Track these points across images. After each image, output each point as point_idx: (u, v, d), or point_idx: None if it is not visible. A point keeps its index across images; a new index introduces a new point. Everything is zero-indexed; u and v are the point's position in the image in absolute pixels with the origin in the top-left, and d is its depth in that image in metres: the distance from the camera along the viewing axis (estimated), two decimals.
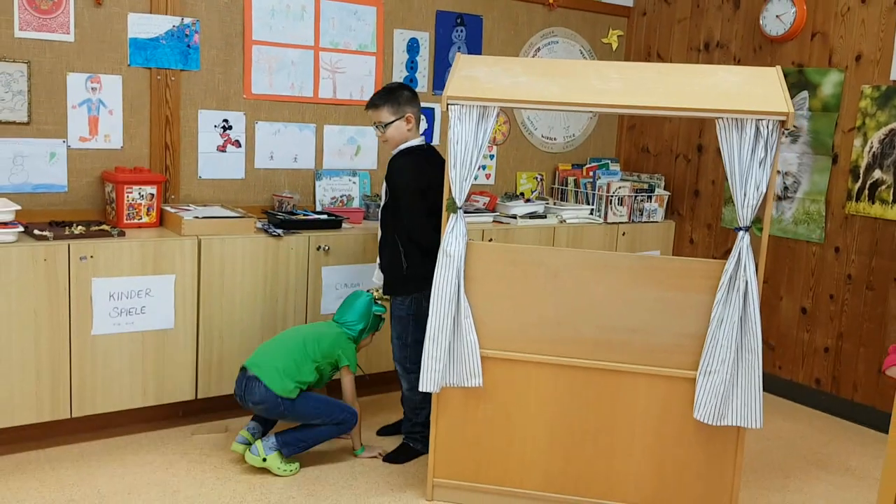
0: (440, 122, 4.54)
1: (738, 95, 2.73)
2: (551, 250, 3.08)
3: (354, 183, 4.26)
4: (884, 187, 3.95)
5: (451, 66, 4.30)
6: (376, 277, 3.46)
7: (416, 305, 3.29)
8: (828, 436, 3.93)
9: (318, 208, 4.14)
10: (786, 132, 4.25)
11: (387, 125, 3.27)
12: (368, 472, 3.26)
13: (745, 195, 2.68)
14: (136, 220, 3.51)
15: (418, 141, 3.34)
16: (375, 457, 3.38)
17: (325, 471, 3.26)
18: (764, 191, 2.68)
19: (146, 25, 3.60)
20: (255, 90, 3.91)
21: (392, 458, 3.38)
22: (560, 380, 2.91)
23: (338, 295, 3.78)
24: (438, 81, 4.47)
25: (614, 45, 5.18)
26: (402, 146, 3.31)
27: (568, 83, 2.86)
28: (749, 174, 2.66)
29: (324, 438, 3.24)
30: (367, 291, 3.46)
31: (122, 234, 3.34)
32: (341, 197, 4.24)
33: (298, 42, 3.99)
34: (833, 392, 4.21)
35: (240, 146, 3.93)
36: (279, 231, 3.63)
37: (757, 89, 2.76)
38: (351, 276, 3.82)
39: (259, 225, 3.69)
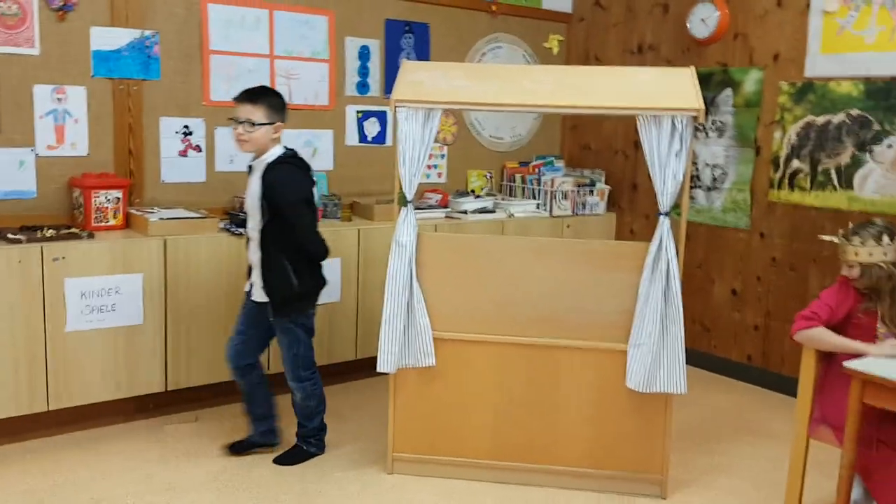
0: (392, 124, 4.79)
1: (656, 94, 3.03)
2: (496, 238, 3.35)
3: None
4: (801, 175, 4.30)
5: None
6: (258, 297, 3.23)
7: (305, 316, 3.26)
8: (758, 406, 4.26)
9: None
10: (700, 126, 4.59)
11: (256, 125, 3.07)
12: (331, 450, 3.49)
13: (664, 184, 2.98)
14: (103, 223, 3.69)
15: (281, 149, 3.16)
16: None
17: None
18: (681, 179, 2.98)
19: (108, 38, 3.78)
20: (214, 97, 4.12)
21: (283, 459, 3.36)
22: (506, 357, 3.18)
23: None
24: (390, 86, 4.70)
25: (555, 50, 5.48)
26: (271, 155, 3.12)
27: (503, 86, 3.14)
28: (667, 165, 2.96)
29: None
30: None
31: (91, 236, 3.53)
32: None
33: (254, 51, 4.21)
34: (763, 366, 4.55)
35: (200, 151, 4.13)
36: (241, 230, 3.83)
37: (673, 88, 3.06)
38: None
39: (222, 225, 3.90)
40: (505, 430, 3.22)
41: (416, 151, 3.07)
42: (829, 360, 2.88)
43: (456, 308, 3.18)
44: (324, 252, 3.19)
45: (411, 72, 3.19)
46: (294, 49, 4.34)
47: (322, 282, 3.26)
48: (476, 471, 3.26)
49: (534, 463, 3.23)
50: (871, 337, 2.79)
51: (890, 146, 3.93)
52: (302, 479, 3.25)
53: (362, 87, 4.63)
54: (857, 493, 2.79)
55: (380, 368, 3.18)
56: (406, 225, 3.12)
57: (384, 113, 4.73)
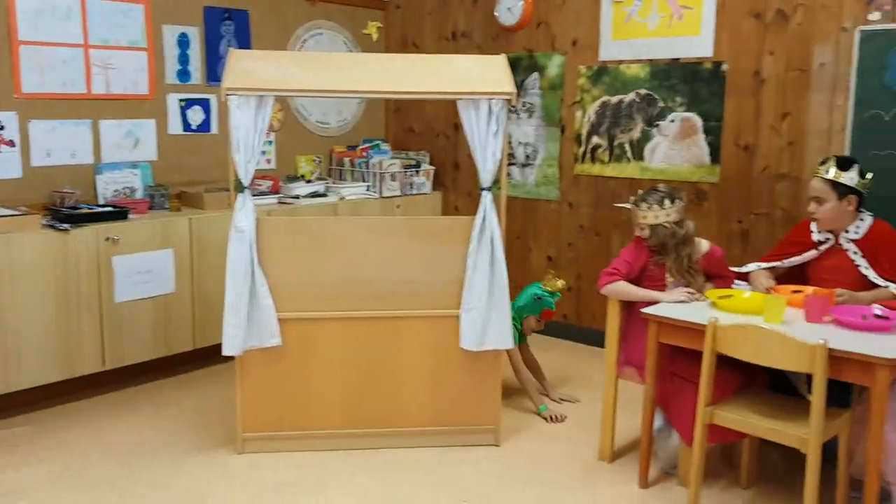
0: (216, 112, 4.78)
1: (474, 80, 3.31)
2: (333, 219, 3.51)
3: (136, 175, 4.41)
4: (601, 150, 4.79)
5: (222, 58, 4.60)
6: None
7: None
8: (575, 358, 4.73)
9: (101, 201, 4.25)
10: (513, 108, 4.97)
11: None
12: (179, 439, 3.53)
13: (484, 162, 3.27)
14: None
15: None
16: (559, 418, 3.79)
17: (138, 437, 3.50)
18: (499, 157, 3.29)
19: None
20: (26, 89, 3.95)
21: None
22: (349, 331, 3.36)
23: (133, 282, 3.95)
24: (211, 74, 4.71)
25: (374, 36, 5.67)
26: None
27: (333, 73, 3.30)
28: (486, 144, 3.25)
29: None
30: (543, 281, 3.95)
31: None
32: (124, 189, 4.37)
33: (67, 41, 4.07)
34: (577, 323, 5.04)
35: (14, 145, 3.95)
36: (66, 225, 3.73)
37: (488, 74, 3.36)
38: (144, 264, 4.00)
39: (44, 221, 3.77)
40: (352, 400, 3.41)
41: (249, 138, 3.15)
42: (629, 310, 3.32)
43: (299, 288, 3.32)
44: None
45: (241, 60, 3.26)
46: (110, 38, 4.24)
47: None
48: (327, 441, 3.43)
49: (381, 427, 3.44)
50: (662, 286, 3.25)
51: (672, 121, 4.49)
52: (153, 468, 3.27)
53: (183, 75, 4.59)
54: (658, 422, 3.25)
55: (225, 351, 3.26)
56: (244, 211, 3.21)
57: (208, 101, 4.72)
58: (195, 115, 4.67)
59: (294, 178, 5.11)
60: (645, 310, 3.04)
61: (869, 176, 3.23)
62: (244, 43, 4.86)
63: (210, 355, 4.49)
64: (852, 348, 2.59)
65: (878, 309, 2.92)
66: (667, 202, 3.21)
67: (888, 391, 2.56)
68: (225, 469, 3.27)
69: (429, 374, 3.43)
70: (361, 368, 3.40)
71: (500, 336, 3.36)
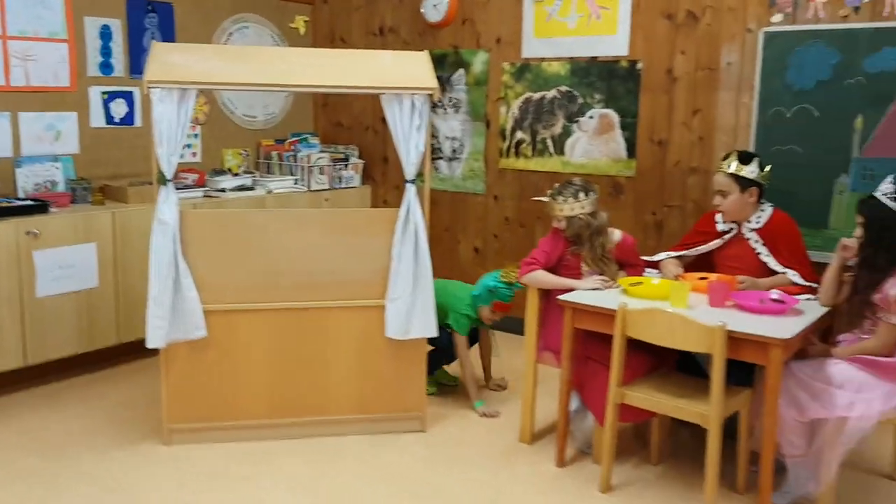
0: (140, 104, 4.74)
1: (397, 75, 3.40)
2: (257, 212, 3.54)
3: (57, 168, 4.34)
4: (524, 145, 4.94)
5: (145, 51, 4.57)
6: None
7: None
8: (500, 347, 4.85)
9: (21, 195, 4.18)
10: (437, 103, 5.07)
11: None
12: (105, 432, 3.52)
13: (408, 155, 3.36)
14: None
15: None
16: (493, 414, 3.78)
17: (64, 431, 3.49)
18: (422, 150, 3.38)
19: None
20: None
21: None
22: (275, 322, 3.41)
23: (54, 276, 3.91)
24: (135, 66, 4.67)
25: (301, 30, 5.69)
26: None
27: (257, 67, 3.34)
28: (409, 138, 3.35)
29: (435, 360, 3.89)
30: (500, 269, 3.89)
31: None
32: (45, 183, 4.30)
33: None
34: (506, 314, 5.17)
35: None
36: None
37: (411, 70, 3.45)
38: (66, 257, 3.96)
39: None
40: (279, 390, 3.46)
41: (172, 131, 3.17)
42: (547, 298, 3.46)
43: (224, 280, 3.35)
44: None
45: (163, 53, 3.27)
46: (29, 29, 4.16)
47: None
48: (254, 431, 3.47)
49: (309, 416, 3.51)
50: (578, 274, 3.41)
51: (591, 117, 4.66)
52: (80, 461, 3.26)
53: (105, 67, 4.54)
54: (574, 404, 3.40)
55: (149, 344, 3.27)
56: (167, 203, 3.23)
57: (131, 93, 4.67)
58: (118, 108, 4.62)
59: (220, 172, 5.11)
60: (561, 297, 3.18)
61: (768, 168, 3.44)
62: (168, 35, 4.83)
63: (135, 350, 4.46)
64: (749, 330, 2.78)
65: (775, 294, 3.14)
66: (581, 195, 3.36)
67: (782, 369, 2.76)
68: (153, 460, 3.29)
69: (355, 364, 3.50)
70: (288, 359, 3.45)
71: (425, 325, 3.46)
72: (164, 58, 3.24)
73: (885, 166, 3.73)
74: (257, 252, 3.37)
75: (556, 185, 3.47)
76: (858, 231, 2.98)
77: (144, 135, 4.76)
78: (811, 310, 3.08)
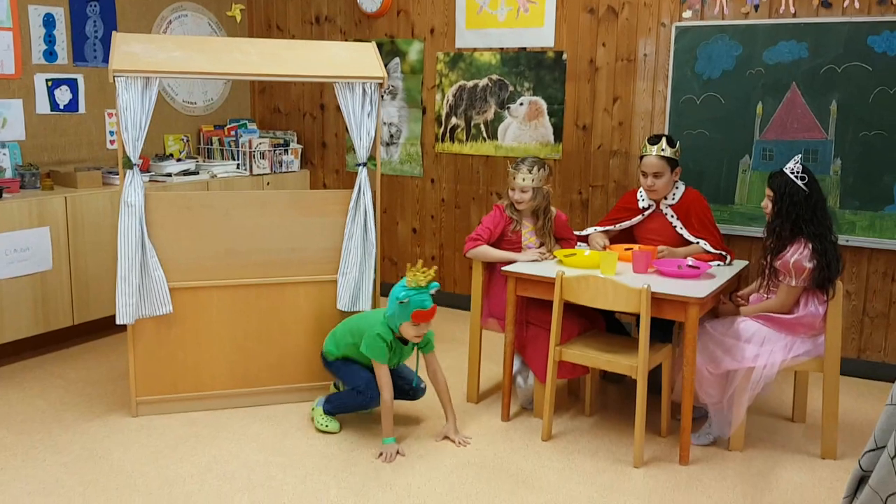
0: (84, 91, 4.81)
1: (348, 65, 3.65)
2: (219, 194, 3.74)
3: (5, 154, 4.40)
4: (459, 130, 5.25)
5: (88, 39, 4.66)
6: None
7: None
8: (440, 321, 5.13)
9: None
10: (384, 91, 5.33)
11: None
12: (72, 407, 3.67)
13: (360, 140, 3.63)
14: None
15: None
16: (388, 459, 3.20)
17: (29, 408, 3.61)
18: (373, 135, 3.65)
19: None
20: None
21: None
22: (237, 298, 3.63)
23: (9, 260, 4.00)
24: (78, 54, 4.74)
25: (238, 18, 5.83)
26: None
27: (215, 56, 3.53)
28: (361, 124, 3.61)
29: (350, 404, 3.41)
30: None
31: None
32: None
33: None
34: (441, 289, 5.49)
35: None
36: None
37: (360, 60, 3.70)
38: (20, 242, 4.05)
39: None
40: (240, 361, 3.68)
41: (137, 118, 3.34)
42: (491, 270, 3.79)
43: (188, 259, 3.54)
44: None
45: (125, 43, 3.42)
46: None
47: None
48: (219, 401, 3.68)
49: (267, 385, 3.74)
50: (519, 249, 3.75)
51: (521, 104, 5.01)
52: (49, 435, 3.41)
53: (49, 55, 4.60)
54: (516, 365, 3.75)
55: (119, 321, 3.44)
56: (133, 187, 3.39)
57: (75, 81, 4.75)
58: (63, 95, 4.69)
59: (164, 157, 5.22)
60: (505, 268, 3.52)
61: (678, 146, 3.86)
62: (110, 24, 4.91)
63: (91, 330, 4.60)
64: (670, 291, 3.18)
65: (690, 260, 3.56)
66: (541, 169, 3.70)
67: (698, 324, 3.18)
68: (123, 430, 3.47)
69: (311, 335, 3.75)
70: (249, 332, 3.67)
71: (362, 299, 3.73)
72: (126, 48, 3.40)
73: (781, 147, 4.21)
74: (220, 232, 3.57)
75: (517, 159, 3.76)
76: (766, 202, 3.39)
77: (88, 121, 4.86)
78: (721, 274, 3.51)
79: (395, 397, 3.38)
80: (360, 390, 3.35)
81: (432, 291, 3.24)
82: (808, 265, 3.21)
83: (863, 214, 4.10)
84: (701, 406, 3.43)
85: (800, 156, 3.42)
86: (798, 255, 3.22)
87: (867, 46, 4.00)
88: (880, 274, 4.17)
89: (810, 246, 3.22)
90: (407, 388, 3.53)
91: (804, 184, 3.26)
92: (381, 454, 3.24)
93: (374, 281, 3.76)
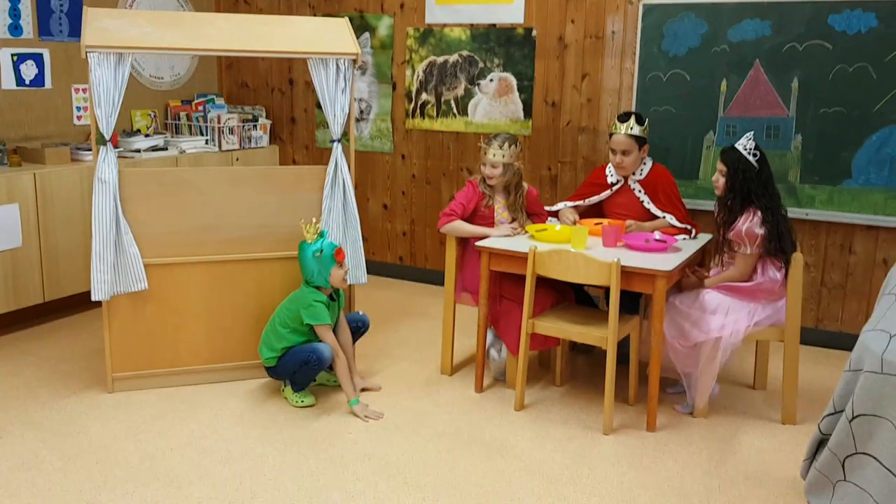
0: (50, 66, 4.74)
1: (321, 41, 3.66)
2: (194, 170, 3.73)
3: None
4: (429, 106, 5.29)
5: (54, 13, 4.60)
6: None
7: None
8: (412, 296, 5.26)
9: None
10: (357, 67, 5.33)
11: None
12: (47, 384, 3.67)
13: (334, 116, 3.65)
14: None
15: None
16: (374, 416, 3.42)
17: (2, 385, 3.62)
18: (347, 111, 3.67)
19: None
20: None
21: None
22: (212, 273, 3.65)
23: None
24: (43, 28, 4.66)
25: None
26: None
27: (188, 32, 3.51)
28: (336, 100, 3.63)
29: (309, 375, 3.46)
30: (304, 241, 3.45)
31: None
32: None
33: None
34: (412, 265, 5.57)
35: None
36: None
37: (333, 36, 3.71)
38: None
39: None
40: (217, 337, 3.71)
41: (110, 94, 3.32)
42: (464, 245, 3.86)
43: (163, 235, 3.54)
44: None
45: (97, 18, 3.39)
46: None
47: None
48: (195, 376, 3.71)
49: (243, 360, 3.77)
50: (492, 224, 3.82)
51: (491, 80, 5.06)
52: (25, 411, 3.41)
53: (15, 29, 4.52)
54: (489, 338, 3.84)
55: (94, 297, 3.44)
56: (107, 163, 3.38)
57: (41, 55, 4.67)
58: (28, 70, 4.62)
59: (132, 133, 5.18)
60: (479, 243, 3.59)
61: (647, 123, 3.95)
62: None
63: (61, 308, 4.58)
64: (638, 264, 3.28)
65: (657, 234, 3.66)
66: (512, 145, 3.75)
67: (664, 296, 3.28)
68: (99, 406, 3.48)
69: None
70: (224, 308, 3.70)
71: (356, 272, 3.79)
72: (98, 23, 3.37)
73: (744, 124, 4.33)
74: (195, 209, 3.58)
75: (489, 136, 3.81)
76: (717, 177, 3.50)
77: (55, 96, 4.79)
78: (687, 247, 3.63)
79: (353, 340, 3.67)
80: (306, 360, 3.41)
81: (327, 234, 3.57)
82: (760, 231, 3.34)
83: (822, 189, 4.25)
84: (683, 376, 3.53)
85: (752, 133, 3.53)
86: (749, 223, 3.35)
87: (828, 25, 4.11)
88: (838, 246, 4.33)
89: (759, 213, 3.36)
90: (356, 327, 3.72)
91: (756, 160, 3.39)
92: (365, 417, 3.40)
93: (362, 253, 3.81)
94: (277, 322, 3.53)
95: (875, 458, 2.46)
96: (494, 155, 3.73)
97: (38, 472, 2.93)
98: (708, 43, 4.38)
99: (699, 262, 3.81)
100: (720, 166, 3.49)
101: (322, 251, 3.41)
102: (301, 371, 3.45)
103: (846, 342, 4.33)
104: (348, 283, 3.55)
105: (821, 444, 2.77)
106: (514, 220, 3.82)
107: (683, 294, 3.54)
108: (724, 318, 3.42)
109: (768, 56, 4.25)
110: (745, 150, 3.42)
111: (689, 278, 3.58)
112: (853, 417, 2.53)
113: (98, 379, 3.71)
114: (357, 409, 3.43)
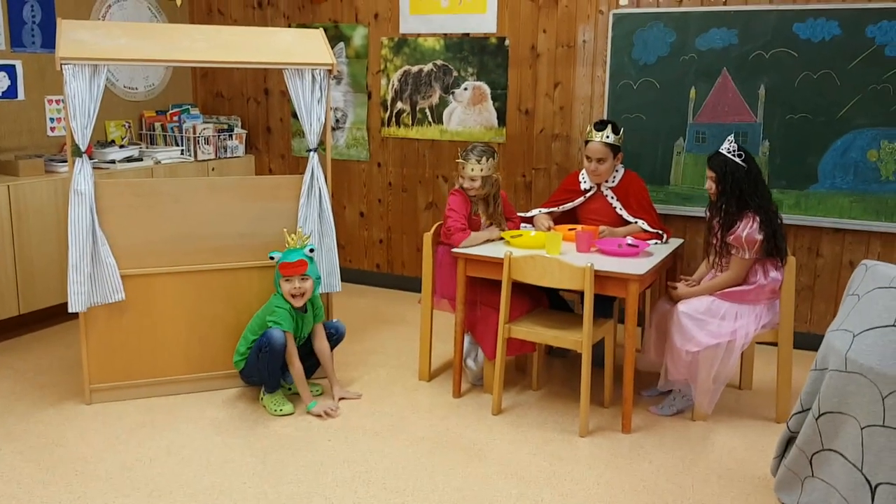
0: (23, 77, 4.72)
1: (297, 52, 3.69)
2: (170, 181, 3.74)
3: None
4: (405, 115, 5.33)
5: (26, 24, 4.59)
6: None
7: None
8: (390, 303, 5.29)
9: None
10: (333, 77, 5.36)
11: None
12: (24, 397, 3.66)
13: (311, 125, 3.68)
14: None
15: None
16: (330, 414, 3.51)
17: None
18: (323, 121, 3.71)
19: None
20: None
21: None
22: (191, 283, 3.66)
23: None
24: (16, 40, 4.65)
25: (178, 2, 5.73)
26: None
27: (164, 43, 3.53)
28: (311, 110, 3.66)
29: (270, 364, 3.46)
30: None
31: None
32: None
33: None
34: (389, 272, 5.60)
35: None
36: None
37: (308, 47, 3.75)
38: None
39: None
40: (195, 347, 3.72)
41: (85, 106, 3.33)
42: (437, 251, 3.90)
43: (140, 246, 3.55)
44: None
45: (71, 30, 3.40)
46: None
47: None
48: (173, 386, 3.71)
49: (221, 370, 3.78)
50: (479, 229, 3.85)
51: (466, 89, 5.12)
52: (4, 423, 3.40)
53: None
54: (467, 343, 3.88)
55: (71, 309, 3.44)
56: (83, 175, 3.39)
57: (13, 67, 4.66)
58: (0, 82, 4.60)
59: (106, 144, 5.17)
60: (455, 249, 3.63)
61: (622, 133, 4.02)
62: (48, 8, 4.82)
63: (37, 320, 4.56)
64: (612, 269, 3.34)
65: (630, 239, 3.74)
66: (490, 158, 3.80)
67: (637, 299, 3.35)
68: (78, 417, 3.48)
69: None
70: (203, 318, 3.71)
71: (331, 280, 3.82)
72: (73, 35, 3.38)
73: (713, 130, 4.43)
74: (171, 219, 3.59)
75: (465, 149, 3.85)
76: (709, 184, 3.57)
77: (27, 108, 4.78)
78: (659, 251, 3.70)
79: (331, 347, 3.73)
80: (260, 347, 3.46)
81: (307, 251, 3.54)
82: (759, 237, 3.42)
83: (789, 193, 4.35)
84: (673, 383, 3.59)
85: (732, 135, 3.62)
86: (749, 230, 3.42)
87: (793, 33, 4.22)
88: (805, 249, 4.43)
89: (758, 219, 3.43)
90: (329, 334, 3.74)
91: (742, 160, 3.47)
92: (325, 413, 3.51)
93: (337, 263, 3.84)
94: (248, 329, 3.63)
95: (840, 453, 2.54)
96: (473, 169, 3.78)
97: (17, 484, 2.92)
98: (677, 51, 4.48)
99: (671, 266, 3.89)
100: (709, 173, 3.55)
101: (276, 259, 3.50)
102: (262, 363, 3.47)
103: (813, 342, 4.42)
104: (303, 300, 3.51)
105: (790, 441, 2.84)
106: (491, 224, 3.87)
107: (689, 302, 3.51)
108: (735, 322, 3.47)
109: (735, 63, 4.35)
110: (730, 152, 3.49)
111: (675, 291, 3.61)
112: (819, 415, 2.61)
113: (76, 391, 3.70)
114: (315, 410, 3.53)
